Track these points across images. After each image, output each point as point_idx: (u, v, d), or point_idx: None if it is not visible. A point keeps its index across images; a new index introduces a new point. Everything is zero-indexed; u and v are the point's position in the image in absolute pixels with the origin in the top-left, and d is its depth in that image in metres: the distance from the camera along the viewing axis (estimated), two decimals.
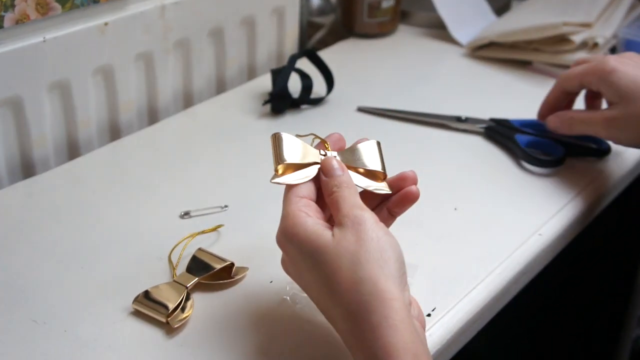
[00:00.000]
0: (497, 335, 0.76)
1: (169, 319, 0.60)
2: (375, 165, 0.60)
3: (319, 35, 1.14)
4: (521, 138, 0.83)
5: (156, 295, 0.62)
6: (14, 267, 0.67)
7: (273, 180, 0.58)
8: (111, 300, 0.63)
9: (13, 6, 0.75)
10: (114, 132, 0.90)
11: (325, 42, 1.12)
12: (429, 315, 0.62)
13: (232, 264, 0.66)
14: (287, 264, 0.58)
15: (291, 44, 1.06)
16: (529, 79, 1.01)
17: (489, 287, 0.66)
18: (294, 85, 0.92)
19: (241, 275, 0.66)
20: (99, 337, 0.60)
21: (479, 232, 0.72)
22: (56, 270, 0.67)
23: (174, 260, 0.67)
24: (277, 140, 0.59)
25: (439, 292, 0.65)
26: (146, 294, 0.62)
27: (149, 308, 0.61)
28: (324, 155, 0.59)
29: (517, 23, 1.03)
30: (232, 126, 0.90)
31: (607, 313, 1.13)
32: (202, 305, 0.63)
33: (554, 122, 0.81)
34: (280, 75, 0.91)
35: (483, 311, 0.65)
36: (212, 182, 0.80)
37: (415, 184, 0.60)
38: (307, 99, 0.93)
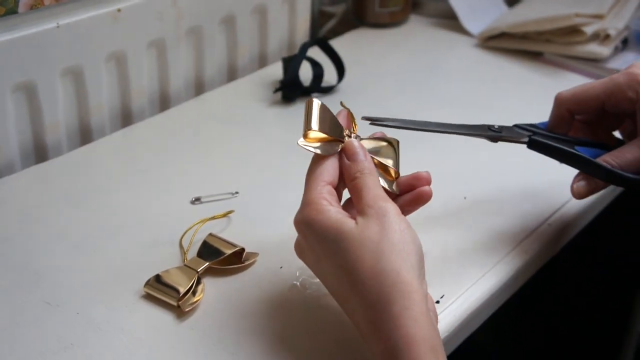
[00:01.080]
0: (504, 324, 0.77)
1: (180, 302, 0.61)
2: (391, 162, 0.60)
3: (330, 24, 1.14)
4: (585, 151, 0.68)
5: (167, 279, 0.63)
6: (27, 250, 0.68)
7: (300, 142, 0.58)
8: (123, 284, 0.64)
9: None
10: (126, 118, 0.90)
11: (337, 32, 1.12)
12: (437, 302, 0.63)
13: (243, 249, 0.66)
14: (302, 249, 0.58)
15: (302, 33, 1.06)
16: (540, 70, 1.01)
17: (498, 275, 0.67)
18: (305, 73, 0.92)
19: (251, 261, 0.66)
20: (110, 319, 0.61)
21: (487, 221, 0.73)
22: (69, 253, 0.68)
23: (185, 245, 0.68)
24: (309, 106, 0.59)
25: (447, 280, 0.65)
26: (157, 278, 0.63)
27: (160, 292, 0.62)
28: (349, 136, 0.59)
29: (529, 14, 1.03)
30: (243, 113, 0.91)
31: (614, 305, 1.14)
32: (212, 289, 0.63)
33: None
34: (291, 64, 0.92)
35: (491, 299, 0.66)
36: (223, 168, 0.80)
37: (429, 184, 0.60)
38: (317, 87, 0.93)
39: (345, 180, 0.58)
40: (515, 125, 0.71)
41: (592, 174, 0.67)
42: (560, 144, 0.68)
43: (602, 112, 0.68)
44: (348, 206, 0.58)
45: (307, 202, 0.56)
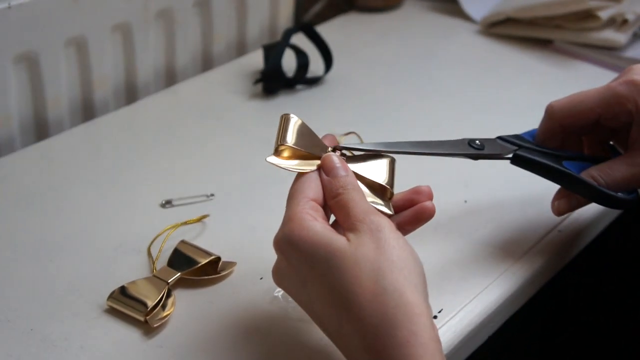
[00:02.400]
0: (510, 341, 0.77)
1: (147, 317, 0.61)
2: (381, 179, 0.59)
3: (316, 8, 1.14)
4: (573, 167, 0.69)
5: (134, 291, 0.62)
6: None
7: (268, 159, 0.58)
8: (83, 297, 0.63)
9: None
10: (88, 111, 0.90)
11: (324, 16, 1.12)
12: (435, 317, 0.63)
13: (219, 258, 0.66)
14: (282, 274, 0.56)
15: (285, 17, 1.06)
16: (549, 59, 1.01)
17: (502, 288, 0.67)
18: (289, 63, 0.92)
19: (228, 271, 0.66)
20: (69, 336, 0.60)
21: (491, 227, 0.73)
22: (21, 262, 0.67)
23: (154, 253, 0.67)
24: (285, 120, 0.59)
25: (446, 292, 0.65)
26: (122, 290, 0.62)
27: (126, 305, 0.62)
28: (331, 150, 0.59)
29: None
30: (219, 107, 0.90)
31: (631, 320, 1.14)
32: (184, 303, 0.63)
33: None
34: (273, 52, 0.92)
35: (495, 314, 0.66)
36: (197, 168, 0.80)
37: (431, 199, 0.59)
38: (302, 78, 0.93)
39: (326, 198, 0.57)
40: (499, 138, 0.70)
41: (578, 193, 0.68)
42: (546, 159, 0.68)
43: (596, 124, 0.67)
44: (334, 227, 0.57)
45: (288, 218, 0.55)
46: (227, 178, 0.78)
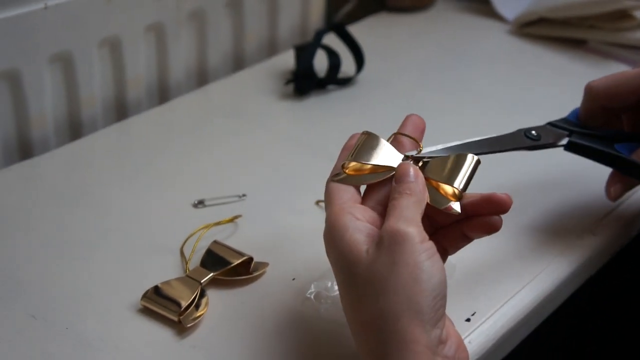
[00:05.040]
0: (543, 345, 0.76)
1: (181, 317, 0.61)
2: (454, 180, 0.58)
3: (347, 8, 1.14)
4: (625, 150, 0.70)
5: (167, 291, 0.63)
6: (10, 257, 0.68)
7: (334, 178, 0.57)
8: (117, 296, 0.64)
9: None
10: (121, 111, 0.90)
11: (355, 16, 1.12)
12: (468, 320, 0.63)
13: (251, 259, 0.66)
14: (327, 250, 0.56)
15: (316, 18, 1.06)
16: (583, 60, 1.00)
17: (536, 291, 0.66)
18: (320, 63, 0.92)
19: (261, 271, 0.66)
20: (103, 335, 0.60)
21: (524, 229, 0.72)
22: (57, 261, 0.68)
23: (187, 253, 0.68)
24: (363, 139, 0.58)
25: (479, 295, 0.65)
26: (156, 290, 0.63)
27: (160, 305, 0.62)
28: (411, 156, 0.58)
29: None
30: (250, 107, 0.91)
31: None
32: (217, 303, 0.63)
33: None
34: (304, 52, 0.92)
35: (529, 317, 0.65)
36: (229, 168, 0.80)
37: (507, 210, 0.57)
38: (334, 78, 0.93)
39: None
40: (549, 124, 0.71)
41: (631, 175, 0.68)
42: (599, 144, 0.68)
43: (638, 103, 0.67)
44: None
45: (329, 201, 0.55)
46: (259, 178, 0.79)
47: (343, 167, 0.57)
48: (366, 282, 0.50)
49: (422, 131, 0.60)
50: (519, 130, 0.69)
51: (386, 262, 0.50)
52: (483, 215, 0.57)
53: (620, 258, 0.77)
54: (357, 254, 0.51)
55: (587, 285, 0.73)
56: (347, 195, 0.55)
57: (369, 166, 0.57)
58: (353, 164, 0.57)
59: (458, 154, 0.59)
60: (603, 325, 0.95)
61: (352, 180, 0.57)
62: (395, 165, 0.57)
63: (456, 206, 0.57)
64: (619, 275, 0.85)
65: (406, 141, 0.59)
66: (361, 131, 0.59)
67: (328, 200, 0.56)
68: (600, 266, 0.74)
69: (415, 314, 0.49)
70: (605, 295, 0.88)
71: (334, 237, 0.53)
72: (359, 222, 0.53)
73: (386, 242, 0.51)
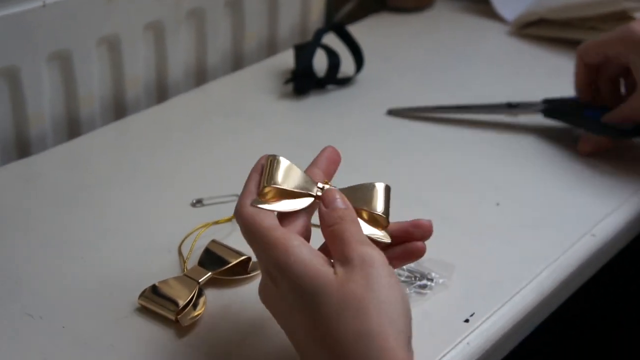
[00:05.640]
0: (542, 346, 0.76)
1: (178, 316, 0.61)
2: (378, 207, 0.57)
3: (347, 7, 1.14)
4: (591, 113, 0.83)
5: (165, 290, 0.62)
6: (7, 256, 0.68)
7: (255, 204, 0.55)
8: (114, 295, 0.64)
9: None
10: (119, 110, 0.90)
11: (355, 16, 1.12)
12: (466, 321, 0.62)
13: (249, 258, 0.66)
14: (269, 295, 0.55)
15: (316, 17, 1.06)
16: None
17: (535, 292, 0.66)
18: (320, 63, 0.92)
19: (258, 271, 0.66)
20: (100, 334, 0.60)
21: (523, 230, 0.72)
22: (54, 260, 0.67)
23: (185, 252, 0.67)
24: (271, 161, 0.57)
25: (478, 296, 0.65)
26: (154, 289, 0.63)
27: (157, 304, 0.62)
28: (321, 188, 0.56)
29: None
30: (249, 107, 0.90)
31: None
32: (215, 302, 0.63)
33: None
34: (304, 52, 0.92)
35: (527, 318, 0.65)
36: (227, 167, 0.80)
37: (429, 235, 0.57)
38: (333, 78, 0.93)
39: (322, 228, 0.55)
40: (544, 100, 0.86)
41: (597, 133, 0.82)
42: (570, 108, 0.84)
43: (610, 62, 0.80)
44: (325, 251, 0.55)
45: (270, 244, 0.52)
46: None
47: (261, 194, 0.55)
48: (340, 302, 0.50)
49: (336, 165, 0.59)
50: (503, 103, 0.87)
51: (361, 282, 0.50)
52: (408, 242, 0.57)
53: (619, 259, 0.77)
54: (325, 276, 0.50)
55: (586, 287, 0.73)
56: (273, 220, 0.54)
57: (286, 192, 0.56)
58: (269, 189, 0.55)
59: (365, 184, 0.58)
60: (602, 326, 0.95)
61: (273, 206, 0.55)
62: (311, 191, 0.56)
63: (386, 236, 0.57)
64: (618, 276, 0.85)
65: (317, 172, 0.58)
66: (268, 154, 0.57)
67: (253, 226, 0.54)
68: (599, 268, 0.74)
69: (399, 334, 0.49)
70: (604, 296, 0.88)
71: (290, 265, 0.51)
72: (308, 247, 0.52)
73: (357, 263, 0.51)
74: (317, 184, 0.57)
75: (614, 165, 0.81)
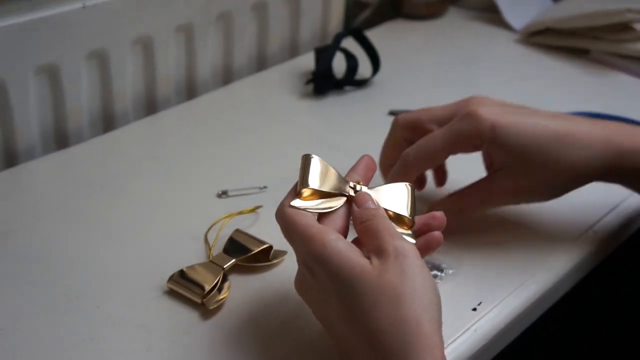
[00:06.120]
0: (544, 334, 0.76)
1: (204, 299, 0.61)
2: (402, 209, 0.56)
3: (365, 14, 1.13)
4: None
5: (192, 275, 0.62)
6: (47, 240, 0.68)
7: (293, 204, 0.55)
8: (144, 278, 0.64)
9: None
10: (151, 106, 0.90)
11: (371, 22, 1.11)
12: (474, 309, 0.62)
13: (271, 247, 0.66)
14: (307, 286, 0.55)
15: (336, 23, 1.06)
16: (586, 69, 0.99)
17: (538, 283, 0.66)
18: (338, 65, 0.92)
19: (279, 259, 0.66)
20: (132, 315, 0.60)
21: (529, 226, 0.72)
22: (89, 244, 0.67)
23: (211, 240, 0.67)
24: (306, 161, 0.56)
25: (485, 286, 0.64)
26: (182, 274, 0.62)
27: (184, 288, 0.62)
28: (353, 187, 0.56)
29: (577, 8, 1.02)
30: (272, 105, 0.90)
31: None
32: (238, 287, 0.63)
33: (442, 206, 0.64)
34: (324, 55, 0.91)
35: (530, 308, 0.65)
36: (251, 161, 0.80)
37: (443, 225, 0.56)
38: (351, 80, 0.93)
39: (354, 225, 0.55)
40: None
41: None
42: None
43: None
44: (359, 246, 0.54)
45: (307, 237, 0.52)
46: (279, 172, 0.78)
47: (298, 194, 0.55)
48: (377, 290, 0.49)
49: (373, 172, 0.59)
50: None
51: (396, 272, 0.50)
52: (426, 233, 0.56)
53: (619, 254, 0.77)
54: (362, 267, 0.50)
55: (587, 279, 0.72)
56: (311, 219, 0.54)
57: (320, 192, 0.55)
58: (305, 190, 0.55)
59: (392, 185, 0.57)
60: (601, 319, 0.95)
61: (309, 207, 0.55)
62: (344, 190, 0.56)
63: (411, 235, 0.56)
64: (616, 271, 0.85)
65: (355, 177, 0.57)
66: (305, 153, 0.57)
67: (292, 224, 0.54)
68: (600, 261, 0.73)
69: (432, 320, 0.49)
70: (604, 289, 0.87)
71: (328, 257, 0.51)
72: (343, 240, 0.52)
73: (392, 255, 0.51)
74: (349, 183, 0.56)
75: None
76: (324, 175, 0.56)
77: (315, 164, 0.56)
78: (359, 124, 0.88)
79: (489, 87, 0.95)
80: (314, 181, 0.55)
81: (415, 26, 1.10)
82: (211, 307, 0.60)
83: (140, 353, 0.57)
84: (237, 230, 0.67)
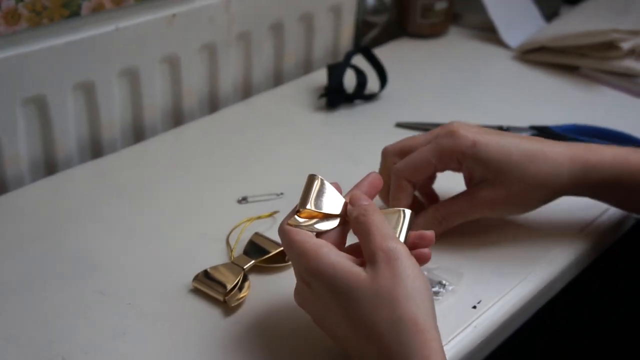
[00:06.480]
0: (541, 328, 0.75)
1: (226, 297, 0.61)
2: (397, 234, 0.55)
3: (373, 33, 1.13)
4: None
5: (215, 274, 0.63)
6: (83, 241, 0.68)
7: (289, 222, 0.55)
8: (172, 277, 0.64)
9: None
10: (177, 119, 0.91)
11: (379, 41, 1.12)
12: (474, 307, 0.62)
13: None
14: (305, 298, 0.54)
15: (346, 41, 1.06)
16: (576, 84, 0.99)
17: (533, 283, 0.66)
18: (349, 81, 0.92)
19: None
20: (159, 311, 0.61)
21: (524, 230, 0.72)
22: (121, 245, 0.68)
23: (232, 242, 0.68)
24: (310, 181, 0.56)
25: (484, 285, 0.64)
26: (205, 273, 0.63)
27: (208, 287, 0.62)
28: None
29: (569, 28, 1.02)
30: (288, 117, 0.91)
31: None
32: (257, 286, 0.63)
33: (424, 225, 0.65)
34: (336, 71, 0.91)
35: (527, 306, 0.65)
36: (269, 169, 0.80)
37: (432, 243, 0.56)
38: (360, 94, 0.93)
39: (352, 227, 0.54)
40: (531, 127, 0.83)
41: None
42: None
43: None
44: (353, 252, 0.55)
45: (301, 252, 0.52)
46: (295, 179, 0.77)
47: (297, 212, 0.55)
48: (373, 296, 0.49)
49: (377, 190, 0.58)
50: (498, 125, 0.82)
51: (388, 275, 0.50)
52: (415, 249, 0.55)
53: (616, 249, 0.76)
54: (356, 276, 0.50)
55: (581, 276, 0.72)
56: (307, 235, 0.54)
57: (319, 213, 0.55)
58: (305, 211, 0.55)
59: (391, 210, 0.57)
60: (600, 311, 0.94)
61: (306, 227, 0.55)
62: (342, 211, 0.55)
63: None
64: (605, 270, 0.84)
65: (357, 194, 0.57)
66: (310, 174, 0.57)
67: (290, 240, 0.54)
68: (590, 263, 0.73)
69: (427, 316, 0.49)
70: (594, 288, 0.87)
71: (322, 270, 0.51)
72: (335, 251, 0.52)
73: (383, 259, 0.50)
74: (347, 203, 0.56)
75: None
76: (324, 196, 0.56)
77: (318, 185, 0.56)
78: (368, 135, 0.88)
79: (487, 100, 0.95)
80: (313, 202, 0.55)
81: (419, 44, 1.10)
82: (232, 305, 0.61)
83: (168, 346, 0.58)
84: (256, 234, 0.68)
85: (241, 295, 0.61)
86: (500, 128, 0.84)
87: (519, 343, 0.69)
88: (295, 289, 0.56)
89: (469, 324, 0.61)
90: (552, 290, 0.69)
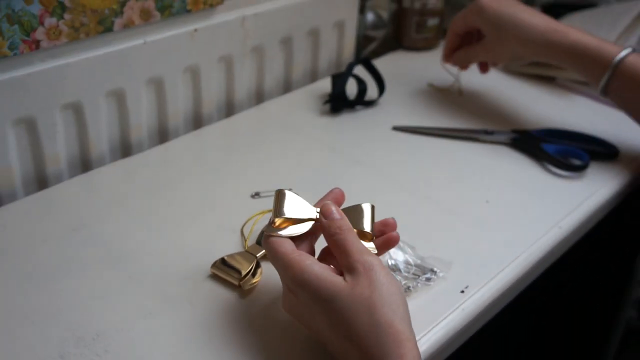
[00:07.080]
0: (521, 311, 0.75)
1: (241, 282, 0.60)
2: (365, 226, 0.55)
3: (372, 46, 1.12)
4: (547, 147, 0.80)
5: (231, 262, 0.62)
6: (115, 232, 0.68)
7: (266, 232, 0.54)
8: (192, 263, 0.63)
9: (122, 13, 0.75)
10: (197, 122, 0.90)
11: (377, 53, 1.11)
12: (462, 291, 0.61)
13: None
14: (292, 305, 0.54)
15: (348, 53, 1.05)
16: (553, 93, 0.98)
17: (515, 270, 0.65)
18: (351, 88, 0.91)
19: None
20: (181, 294, 0.60)
21: (507, 222, 0.71)
22: (149, 236, 0.67)
23: (246, 233, 0.67)
24: (279, 195, 0.56)
25: (471, 272, 0.64)
26: (222, 261, 0.62)
27: (225, 272, 0.61)
28: (320, 212, 0.55)
29: None
30: (297, 121, 0.90)
31: (606, 297, 1.11)
32: (269, 273, 0.62)
33: (454, 62, 0.90)
34: (339, 80, 0.91)
35: (509, 291, 0.64)
36: (279, 167, 0.80)
37: (395, 229, 0.57)
38: (361, 101, 0.92)
39: (325, 237, 0.54)
40: (512, 130, 0.84)
41: (557, 167, 0.79)
42: (532, 142, 0.81)
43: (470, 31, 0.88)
44: (326, 257, 0.55)
45: (286, 265, 0.52)
46: (303, 176, 0.78)
47: (272, 223, 0.55)
48: (352, 302, 0.49)
49: (340, 203, 0.58)
50: (482, 129, 0.85)
51: (365, 283, 0.50)
52: (384, 234, 0.56)
53: (579, 246, 0.75)
54: (337, 285, 0.50)
55: (554, 267, 0.71)
56: (290, 246, 0.53)
57: (292, 219, 0.55)
58: (279, 220, 0.54)
59: (354, 206, 0.56)
60: (571, 295, 0.94)
61: (285, 232, 0.54)
62: (312, 216, 0.55)
63: (373, 247, 0.55)
64: (579, 259, 0.84)
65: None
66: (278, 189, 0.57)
67: (274, 253, 0.53)
68: (563, 253, 0.72)
69: (401, 319, 0.49)
70: (568, 274, 0.86)
71: (307, 281, 0.51)
72: (318, 263, 0.52)
73: (361, 270, 0.50)
74: (316, 209, 0.55)
75: (575, 174, 0.79)
76: (294, 205, 0.55)
77: (287, 197, 0.55)
78: (368, 137, 0.87)
79: (473, 106, 0.94)
80: (284, 211, 0.54)
81: (414, 56, 1.09)
82: (246, 288, 0.60)
83: (189, 324, 0.57)
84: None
85: (254, 280, 0.61)
86: (485, 131, 0.85)
87: (503, 323, 0.68)
88: (283, 297, 0.55)
89: (458, 307, 0.60)
90: (532, 276, 0.68)
